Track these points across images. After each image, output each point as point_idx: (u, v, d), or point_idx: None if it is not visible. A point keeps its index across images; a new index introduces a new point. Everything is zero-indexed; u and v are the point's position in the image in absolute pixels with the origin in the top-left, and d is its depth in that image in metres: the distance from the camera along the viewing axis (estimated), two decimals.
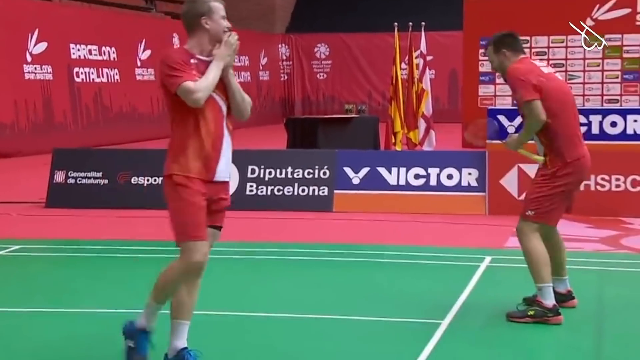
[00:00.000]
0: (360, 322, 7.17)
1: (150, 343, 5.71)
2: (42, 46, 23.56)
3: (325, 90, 37.24)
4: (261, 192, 13.14)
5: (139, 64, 28.02)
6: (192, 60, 5.53)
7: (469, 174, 12.86)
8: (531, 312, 6.98)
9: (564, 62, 21.34)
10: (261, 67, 36.00)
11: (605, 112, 16.87)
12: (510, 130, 16.73)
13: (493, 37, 7.35)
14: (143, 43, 28.21)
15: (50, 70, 23.87)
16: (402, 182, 13.01)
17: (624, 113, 16.72)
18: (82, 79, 25.19)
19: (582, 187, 7.69)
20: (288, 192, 13.21)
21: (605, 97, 21.25)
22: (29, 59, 23.17)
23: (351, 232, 11.56)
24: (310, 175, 13.24)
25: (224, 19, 5.62)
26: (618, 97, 21.25)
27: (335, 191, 13.08)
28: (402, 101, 18.43)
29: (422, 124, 18.73)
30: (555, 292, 7.13)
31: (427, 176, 13.00)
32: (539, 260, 7.01)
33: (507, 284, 8.41)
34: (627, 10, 21.09)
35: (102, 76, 26.10)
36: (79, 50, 25.22)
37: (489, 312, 7.34)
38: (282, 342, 6.45)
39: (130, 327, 5.74)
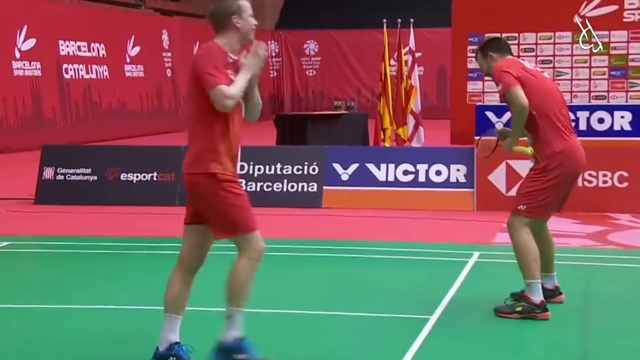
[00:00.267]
0: (348, 317, 7.21)
1: (253, 344, 5.64)
2: (31, 42, 23.51)
3: (315, 87, 37.26)
4: (250, 188, 13.14)
5: (128, 60, 27.99)
6: (228, 60, 5.58)
7: (458, 170, 12.91)
8: (519, 308, 7.03)
9: (551, 58, 21.38)
10: None
11: (592, 109, 16.88)
12: (499, 127, 16.76)
13: (480, 44, 7.47)
14: (132, 39, 28.18)
15: (39, 66, 23.83)
16: (391, 178, 13.06)
17: (611, 109, 16.74)
18: (71, 76, 25.16)
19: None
20: (277, 188, 13.23)
21: (592, 94, 21.29)
22: (17, 55, 23.13)
23: (340, 228, 11.60)
24: (300, 172, 13.26)
25: (252, 17, 5.68)
26: (605, 94, 21.30)
27: (325, 187, 13.11)
28: (391, 97, 18.44)
29: (410, 121, 18.73)
30: (542, 288, 7.17)
31: (416, 172, 13.04)
32: (529, 255, 7.04)
33: (495, 279, 8.46)
34: (614, 7, 21.13)
35: (91, 72, 26.06)
36: (68, 46, 25.18)
37: (477, 307, 7.38)
38: (270, 337, 6.47)
39: (229, 346, 5.61)
